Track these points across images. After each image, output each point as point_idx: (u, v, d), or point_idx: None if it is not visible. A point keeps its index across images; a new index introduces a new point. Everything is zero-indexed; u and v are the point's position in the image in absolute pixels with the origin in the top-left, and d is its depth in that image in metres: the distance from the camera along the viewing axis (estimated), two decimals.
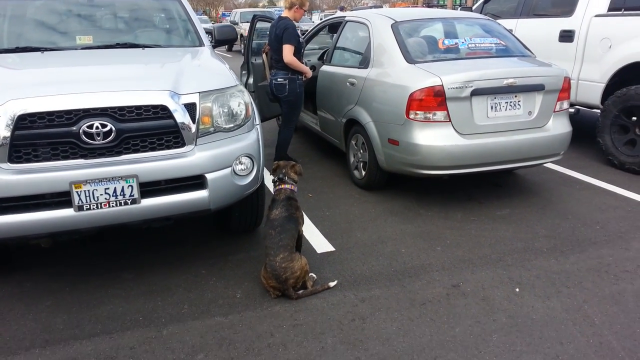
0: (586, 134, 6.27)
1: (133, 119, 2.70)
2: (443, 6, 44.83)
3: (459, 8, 8.64)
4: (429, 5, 46.10)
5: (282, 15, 4.94)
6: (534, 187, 4.65)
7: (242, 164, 3.02)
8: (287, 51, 4.69)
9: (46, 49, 3.56)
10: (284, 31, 4.74)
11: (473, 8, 7.49)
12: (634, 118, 4.99)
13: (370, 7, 33.65)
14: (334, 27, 5.69)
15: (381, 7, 43.10)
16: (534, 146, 4.05)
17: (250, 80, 5.45)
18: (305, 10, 4.96)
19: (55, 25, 3.89)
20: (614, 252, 3.40)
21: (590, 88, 5.44)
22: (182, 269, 3.24)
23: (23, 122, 2.54)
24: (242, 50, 20.80)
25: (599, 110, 5.38)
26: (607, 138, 5.22)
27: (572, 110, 5.59)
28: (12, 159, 2.56)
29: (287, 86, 4.83)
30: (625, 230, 3.73)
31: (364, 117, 4.37)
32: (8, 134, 2.52)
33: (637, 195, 4.40)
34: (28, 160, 2.58)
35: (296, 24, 4.86)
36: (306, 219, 3.91)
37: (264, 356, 2.42)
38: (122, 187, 2.68)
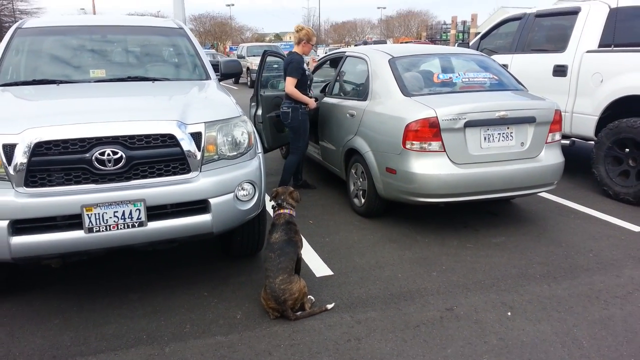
0: (581, 165, 6.41)
1: (142, 146, 2.87)
2: (446, 41, 45.83)
3: (457, 44, 8.93)
4: (432, 40, 47.12)
5: (293, 50, 5.27)
6: (529, 216, 4.77)
7: (244, 189, 3.17)
8: (288, 83, 5.03)
9: (61, 82, 3.78)
10: (288, 64, 5.07)
11: (470, 44, 7.75)
12: (627, 150, 5.14)
13: (374, 42, 34.47)
14: (335, 61, 5.95)
15: (385, 42, 44.08)
16: (527, 176, 4.19)
17: (259, 112, 5.69)
18: (312, 45, 5.28)
19: (70, 60, 4.13)
20: (605, 279, 3.49)
21: (584, 121, 5.61)
22: (185, 291, 3.36)
23: (39, 149, 2.72)
24: (248, 83, 21.22)
25: (593, 142, 5.54)
26: (602, 169, 5.36)
27: (567, 142, 5.75)
28: (27, 184, 2.72)
29: (290, 114, 5.14)
30: (617, 258, 3.83)
31: (363, 146, 4.54)
32: (25, 160, 2.70)
33: (631, 224, 4.51)
34: (43, 185, 2.75)
35: (305, 57, 5.21)
36: (306, 244, 4.04)
37: None
38: (130, 210, 2.83)
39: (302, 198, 5.22)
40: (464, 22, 44.16)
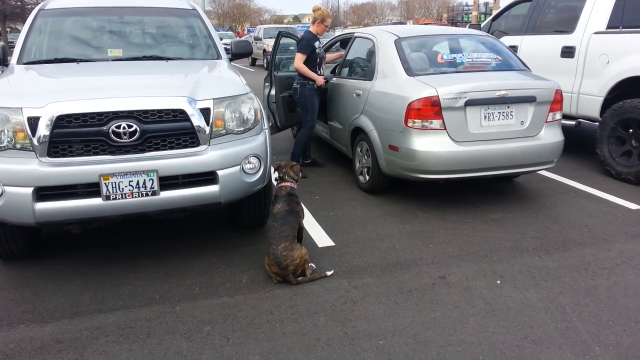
0: (586, 146, 6.48)
1: (155, 120, 3.08)
2: (467, 22, 45.15)
3: (467, 25, 8.95)
4: (453, 22, 46.46)
5: (308, 29, 5.52)
6: (530, 194, 4.90)
7: (250, 163, 3.37)
8: (297, 58, 5.30)
9: (81, 60, 4.00)
10: (300, 41, 5.35)
11: (482, 25, 7.79)
12: (630, 130, 5.21)
13: (393, 24, 34.18)
14: (345, 42, 6.08)
15: (404, 23, 43.63)
16: (527, 154, 4.32)
17: (273, 92, 5.88)
18: (327, 25, 5.47)
19: (89, 39, 4.34)
20: (595, 252, 3.63)
21: (590, 101, 5.67)
22: (196, 257, 3.60)
23: (61, 122, 2.94)
24: (265, 65, 21.31)
25: (598, 123, 5.61)
26: (605, 149, 5.44)
27: (573, 122, 5.83)
28: (50, 154, 2.96)
29: (298, 90, 5.39)
30: (610, 233, 3.96)
31: (368, 125, 4.71)
32: (48, 132, 2.93)
33: (629, 202, 4.61)
34: (64, 155, 2.98)
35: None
36: (311, 217, 4.25)
37: (262, 329, 2.75)
38: (144, 180, 3.05)
39: (311, 175, 5.45)
40: (486, 4, 43.45)
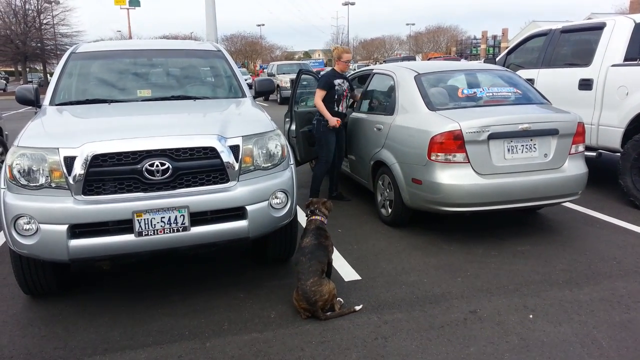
0: (608, 177, 6.44)
1: (187, 158, 3.16)
2: (476, 56, 45.66)
3: (483, 60, 9.07)
4: (462, 56, 47.03)
5: (333, 67, 5.73)
6: (555, 226, 4.86)
7: (277, 198, 3.42)
8: (316, 95, 5.48)
9: (112, 101, 4.13)
10: (320, 78, 5.55)
11: (497, 59, 7.89)
12: None
13: (403, 58, 34.72)
14: (363, 78, 6.20)
15: (414, 57, 44.24)
16: (551, 186, 4.31)
17: (293, 127, 6.00)
18: (345, 62, 5.55)
19: (119, 81, 4.50)
20: (627, 285, 3.57)
21: (610, 133, 5.67)
22: (223, 293, 3.60)
23: (96, 161, 3.02)
24: (278, 100, 21.70)
25: (619, 154, 5.59)
26: (628, 180, 5.41)
27: (594, 154, 5.82)
28: (85, 192, 3.03)
29: (315, 125, 5.54)
30: None
31: (390, 158, 4.75)
32: (83, 171, 3.01)
33: None
34: (98, 193, 3.05)
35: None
36: (335, 251, 4.24)
37: None
38: (176, 216, 3.10)
39: (332, 209, 5.45)
40: (494, 37, 44.03)
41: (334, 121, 5.41)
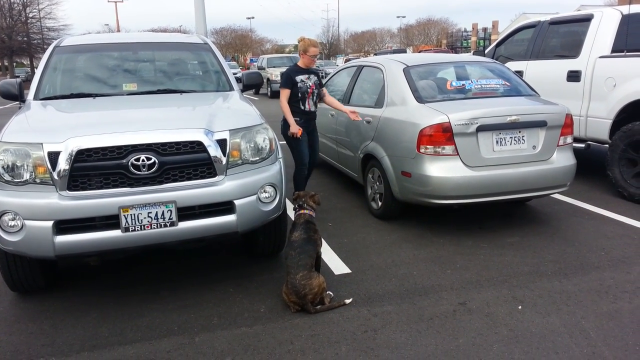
0: (597, 168, 6.48)
1: (173, 153, 3.12)
2: (467, 48, 45.72)
3: (472, 52, 9.07)
4: (453, 48, 47.07)
5: (295, 63, 5.18)
6: (544, 217, 4.88)
7: (266, 192, 3.39)
8: (280, 95, 4.95)
9: (97, 95, 4.07)
10: (281, 75, 5.04)
11: (486, 52, 7.89)
12: None
13: (394, 50, 34.65)
14: (352, 71, 6.16)
15: (404, 50, 44.20)
16: (539, 178, 4.32)
17: None
18: (311, 56, 4.94)
19: (104, 75, 4.43)
20: (615, 275, 3.60)
21: (598, 124, 5.70)
22: (212, 287, 3.58)
23: (81, 156, 2.98)
24: (269, 93, 21.56)
25: (607, 145, 5.62)
26: (616, 171, 5.44)
27: (583, 145, 5.85)
28: (70, 187, 2.99)
29: (282, 127, 5.11)
30: (629, 255, 3.93)
31: (380, 152, 4.74)
32: (68, 166, 2.96)
33: None
34: (83, 188, 3.01)
35: (318, 68, 5.27)
36: (325, 244, 4.24)
37: None
38: (163, 211, 3.07)
39: (322, 202, 5.42)
40: (484, 29, 44.05)
41: (294, 129, 4.81)
